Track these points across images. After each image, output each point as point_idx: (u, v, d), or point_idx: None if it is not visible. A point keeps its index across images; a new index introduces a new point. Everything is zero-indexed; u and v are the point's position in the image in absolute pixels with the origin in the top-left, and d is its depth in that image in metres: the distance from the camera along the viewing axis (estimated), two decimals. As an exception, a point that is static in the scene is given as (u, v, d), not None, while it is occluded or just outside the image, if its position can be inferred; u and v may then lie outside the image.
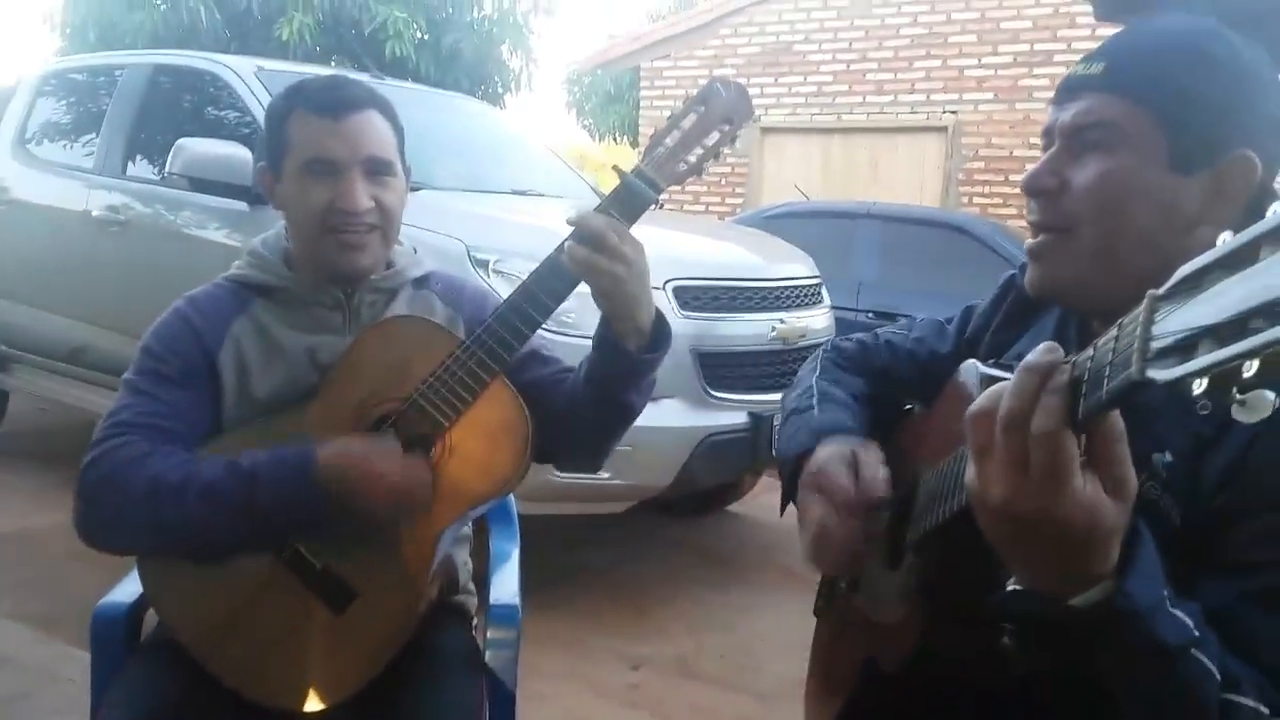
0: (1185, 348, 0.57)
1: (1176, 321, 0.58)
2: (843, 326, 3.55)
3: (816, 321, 3.94)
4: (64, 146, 4.98)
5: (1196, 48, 0.98)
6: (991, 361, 1.11)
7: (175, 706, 1.35)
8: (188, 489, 1.35)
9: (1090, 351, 0.69)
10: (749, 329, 3.61)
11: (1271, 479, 0.86)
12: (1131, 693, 0.79)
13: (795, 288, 3.90)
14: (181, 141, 3.68)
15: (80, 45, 11.09)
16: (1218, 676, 0.79)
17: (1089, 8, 4.25)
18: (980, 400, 0.76)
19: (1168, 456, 0.92)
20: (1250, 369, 0.53)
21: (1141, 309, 0.62)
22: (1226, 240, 0.58)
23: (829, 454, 1.17)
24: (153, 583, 1.44)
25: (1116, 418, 0.70)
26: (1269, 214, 0.55)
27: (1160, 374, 0.58)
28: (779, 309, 3.75)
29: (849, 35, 10.75)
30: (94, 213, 4.44)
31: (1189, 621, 0.78)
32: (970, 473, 0.78)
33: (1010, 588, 0.80)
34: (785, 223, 6.36)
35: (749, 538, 4.51)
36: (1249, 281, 0.54)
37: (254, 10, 11.22)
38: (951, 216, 7.14)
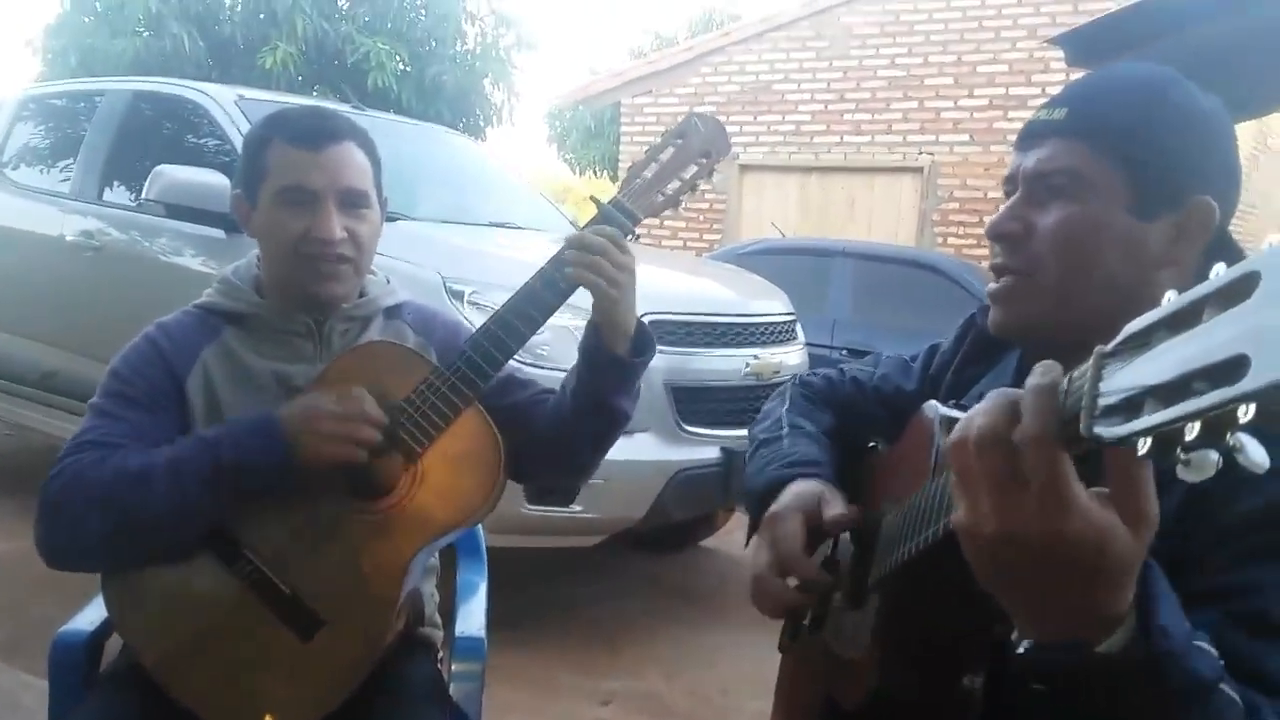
0: (1130, 406, 0.57)
1: (1123, 379, 0.59)
2: (817, 363, 3.57)
3: (791, 358, 3.96)
4: (41, 171, 4.97)
5: (1156, 95, 1.00)
6: (953, 402, 1.12)
7: (135, 735, 1.33)
8: (151, 470, 1.35)
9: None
10: (723, 364, 3.63)
11: (1232, 510, 0.87)
12: None
13: (770, 324, 3.93)
14: (159, 168, 3.67)
15: (62, 70, 11.09)
16: (1241, 705, 0.76)
17: (1062, 54, 4.33)
18: (960, 428, 0.72)
19: None
20: (1192, 431, 0.53)
21: (1089, 365, 0.62)
22: (1171, 299, 0.58)
23: (790, 500, 1.17)
24: (118, 605, 1.42)
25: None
26: (1211, 274, 0.55)
27: (1106, 431, 0.59)
28: (753, 345, 3.76)
29: (827, 76, 10.88)
30: (68, 237, 4.41)
31: (1215, 653, 0.75)
32: (958, 511, 0.72)
33: (1022, 646, 0.75)
34: (761, 259, 6.40)
35: (722, 573, 4.50)
36: (1191, 343, 0.54)
37: (237, 39, 11.26)
38: (924, 255, 7.21)
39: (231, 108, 4.21)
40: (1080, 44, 4.10)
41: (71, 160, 4.75)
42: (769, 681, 1.39)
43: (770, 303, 4.10)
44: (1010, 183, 1.07)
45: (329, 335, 1.55)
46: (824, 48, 10.87)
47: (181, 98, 4.49)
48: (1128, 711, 0.73)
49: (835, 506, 1.13)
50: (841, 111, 10.79)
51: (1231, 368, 0.50)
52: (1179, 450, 0.54)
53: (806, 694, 1.30)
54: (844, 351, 5.95)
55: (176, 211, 3.73)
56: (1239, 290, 0.53)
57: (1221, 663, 0.75)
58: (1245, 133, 13.58)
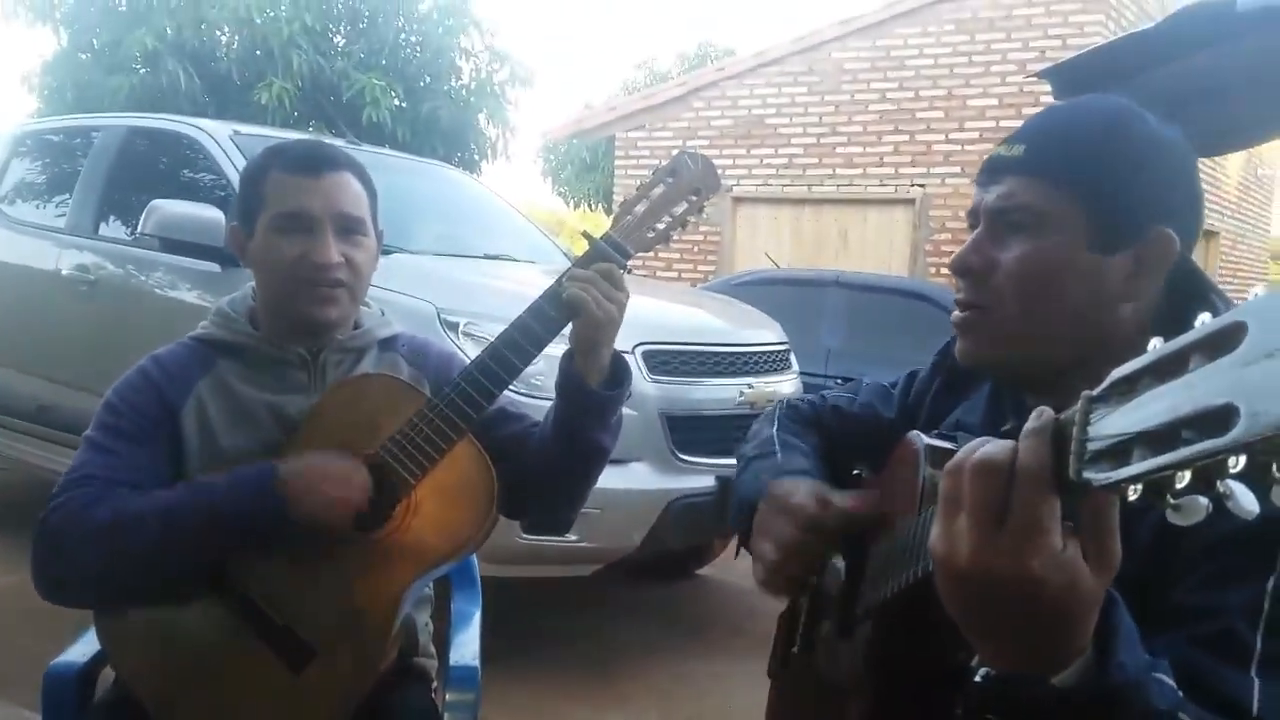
0: (1119, 452, 0.58)
1: (1111, 425, 0.59)
2: (810, 392, 3.57)
3: (784, 387, 3.97)
4: (37, 206, 4.99)
5: (1114, 128, 1.01)
6: (935, 432, 1.13)
7: (127, 767, 1.33)
8: (146, 516, 1.35)
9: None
10: (717, 393, 3.63)
11: (1202, 535, 0.87)
12: None
13: (763, 353, 3.94)
14: (154, 202, 3.69)
15: (58, 107, 11.14)
16: None
17: (1049, 87, 4.37)
18: (959, 455, 0.73)
19: None
20: (1183, 480, 0.54)
21: (1078, 409, 0.63)
22: (1157, 346, 0.58)
23: (793, 483, 1.17)
24: (111, 638, 1.43)
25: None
26: (1197, 323, 0.56)
27: (1096, 477, 0.60)
28: (747, 374, 3.77)
29: (819, 110, 10.97)
30: (64, 271, 4.42)
31: (1171, 682, 0.76)
32: (936, 532, 0.73)
33: (980, 674, 0.76)
34: (755, 290, 6.43)
35: (718, 602, 4.48)
36: (1179, 391, 0.54)
37: (233, 75, 11.33)
38: (916, 285, 7.25)
39: (227, 143, 4.23)
40: (1066, 78, 4.14)
41: (67, 195, 4.77)
42: (761, 711, 1.39)
43: (764, 332, 4.11)
44: (973, 217, 1.08)
45: (323, 366, 1.55)
46: (816, 82, 10.97)
47: (177, 133, 4.52)
48: None
49: (839, 496, 1.12)
50: (834, 144, 10.88)
51: (1220, 417, 0.50)
52: (1169, 496, 0.55)
53: (799, 720, 1.30)
54: (838, 380, 5.96)
55: (172, 246, 3.75)
56: (1226, 339, 0.53)
57: (1180, 694, 0.75)
58: (1234, 163, 13.69)
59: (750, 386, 3.72)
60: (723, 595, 4.56)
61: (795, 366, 4.24)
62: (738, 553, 1.24)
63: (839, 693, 1.10)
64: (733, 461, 1.45)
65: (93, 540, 1.35)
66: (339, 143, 4.32)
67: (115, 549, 1.35)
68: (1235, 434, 0.49)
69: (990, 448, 0.70)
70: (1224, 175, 13.56)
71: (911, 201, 10.44)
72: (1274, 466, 0.50)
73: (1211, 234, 13.45)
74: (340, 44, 12.02)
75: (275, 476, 1.37)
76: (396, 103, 11.55)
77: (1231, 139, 4.74)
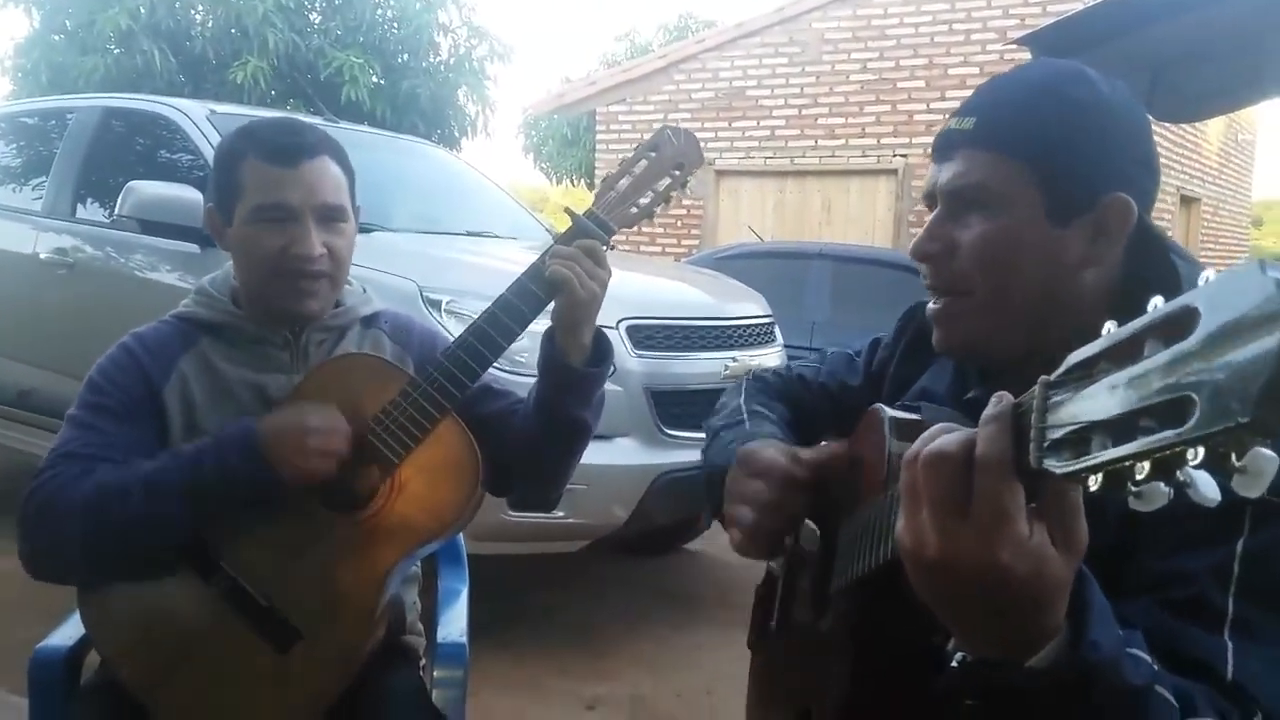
0: (1079, 441, 0.58)
1: (1069, 412, 0.59)
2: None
3: (769, 360, 3.97)
4: (13, 189, 4.93)
5: (1062, 95, 1.00)
6: (899, 404, 1.13)
7: (114, 750, 1.33)
8: (131, 484, 1.35)
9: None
10: (702, 367, 3.64)
11: (1171, 508, 0.88)
12: None
13: (748, 327, 3.94)
14: (132, 184, 3.65)
15: (32, 89, 11.01)
16: (1176, 705, 0.77)
17: (1029, 55, 4.37)
18: (917, 445, 0.72)
19: None
20: (1143, 470, 0.53)
21: (1035, 395, 0.63)
22: (1111, 330, 0.58)
23: (762, 444, 1.15)
24: (95, 621, 1.42)
25: None
26: (1150, 306, 0.56)
27: (1056, 466, 0.59)
28: (732, 348, 3.78)
29: (800, 81, 10.94)
30: (41, 255, 4.39)
31: (1146, 657, 0.76)
32: (901, 525, 0.73)
33: (956, 659, 0.76)
34: (739, 263, 6.43)
35: (706, 576, 4.51)
36: (1135, 378, 0.54)
37: (208, 55, 11.22)
38: (901, 257, 7.23)
39: (204, 122, 4.19)
40: (1046, 44, 4.14)
41: (44, 178, 4.73)
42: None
43: (748, 305, 4.11)
44: (929, 199, 1.08)
45: (305, 346, 1.55)
46: (797, 53, 10.93)
47: (153, 113, 4.47)
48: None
49: (807, 450, 1.11)
50: (815, 116, 10.86)
51: (1177, 407, 0.50)
52: (1129, 485, 0.55)
53: (779, 696, 1.30)
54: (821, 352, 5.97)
55: (150, 227, 3.71)
56: (1178, 326, 0.53)
57: (1155, 666, 0.76)
58: (1215, 128, 13.72)
59: (735, 360, 3.73)
60: (708, 569, 4.59)
61: (780, 339, 4.24)
62: (709, 523, 1.24)
63: (816, 665, 1.11)
64: None
65: (78, 513, 1.35)
66: (316, 121, 4.30)
67: (100, 520, 1.35)
68: (1192, 425, 0.49)
69: (944, 440, 0.70)
70: (1205, 141, 13.59)
71: (894, 172, 10.44)
72: (1232, 457, 0.50)
73: (1192, 200, 13.50)
74: (316, 21, 11.91)
75: (256, 432, 1.37)
76: (375, 80, 11.46)
77: (1211, 103, 4.75)
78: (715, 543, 4.70)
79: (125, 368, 1.49)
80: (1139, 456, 0.53)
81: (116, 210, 3.71)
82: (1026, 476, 0.65)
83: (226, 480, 1.36)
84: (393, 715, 1.45)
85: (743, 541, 1.13)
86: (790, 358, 4.27)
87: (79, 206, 4.55)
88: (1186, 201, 13.20)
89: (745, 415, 1.32)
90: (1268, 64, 3.97)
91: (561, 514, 3.17)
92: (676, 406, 3.52)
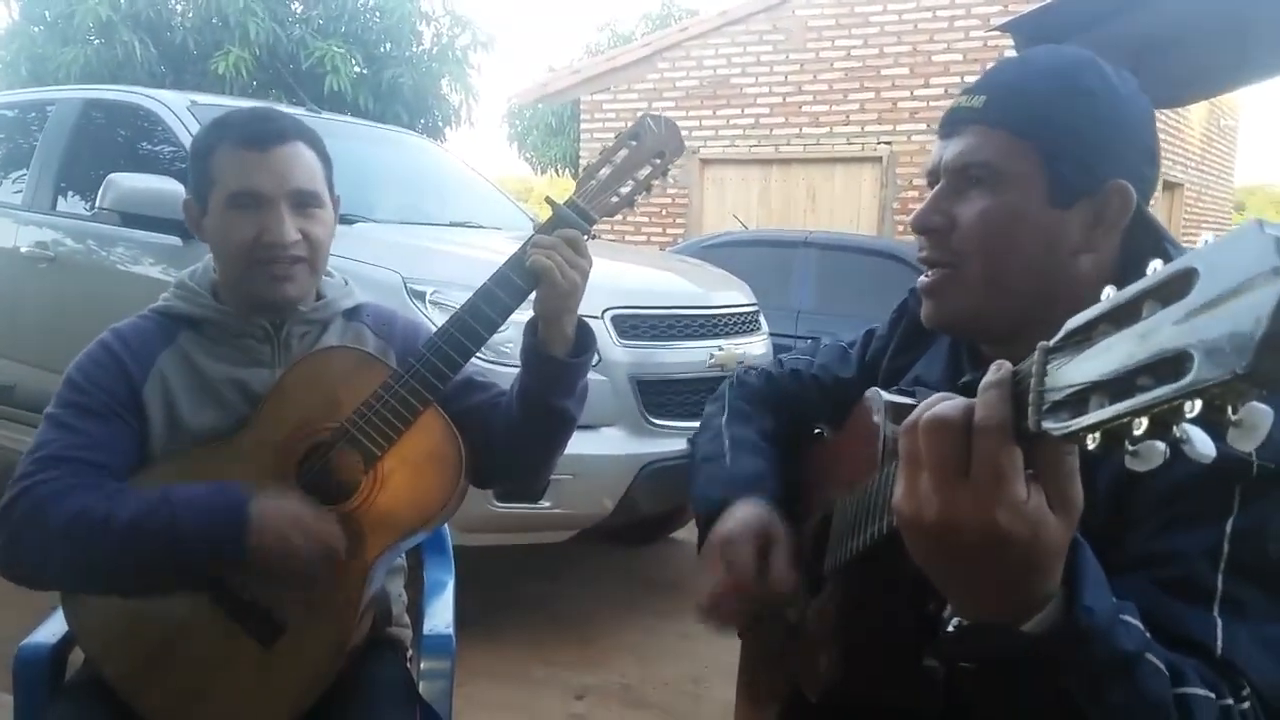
0: (1077, 401, 0.59)
1: (1067, 375, 0.60)
2: (781, 354, 3.58)
3: (754, 348, 3.98)
4: (-8, 183, 4.90)
5: (1072, 80, 1.02)
6: (895, 388, 1.14)
7: (100, 747, 1.32)
8: (112, 521, 1.32)
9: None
10: (687, 356, 3.64)
11: (1160, 482, 0.89)
12: (1095, 708, 0.76)
13: (733, 315, 3.94)
14: (112, 176, 3.63)
15: (12, 80, 10.94)
16: (1167, 674, 0.79)
17: (1013, 41, 4.37)
18: (915, 413, 0.73)
19: None
20: (1140, 426, 0.54)
21: (1034, 360, 0.64)
22: (1111, 295, 0.59)
23: (739, 523, 1.18)
24: (78, 619, 1.42)
25: None
26: (1149, 270, 0.56)
27: (1055, 427, 0.60)
28: (717, 336, 3.78)
29: (784, 69, 10.93)
30: (22, 249, 4.36)
31: (1139, 624, 0.78)
32: (900, 491, 0.74)
33: (953, 624, 0.77)
34: (724, 252, 6.42)
35: (692, 565, 4.48)
36: (1133, 338, 0.55)
37: (189, 45, 11.15)
38: (886, 244, 7.26)
39: (184, 113, 4.17)
40: (1029, 30, 4.14)
41: (24, 171, 4.69)
42: (737, 670, 1.41)
43: (733, 294, 4.11)
44: (933, 174, 1.09)
45: (287, 339, 1.54)
46: (780, 41, 10.92)
47: (133, 105, 4.44)
48: (1057, 687, 0.75)
49: (779, 561, 1.14)
50: (800, 104, 10.85)
51: (1175, 363, 0.51)
52: (1127, 443, 0.55)
53: (770, 680, 1.31)
54: (808, 341, 5.98)
55: (131, 220, 3.68)
56: (1177, 286, 0.54)
57: (1147, 634, 0.77)
58: (1197, 114, 13.76)
59: (720, 349, 3.73)
60: (696, 557, 4.58)
61: (765, 328, 4.25)
62: (699, 550, 1.26)
63: (808, 648, 1.12)
64: None
65: (55, 541, 1.33)
66: (299, 112, 4.27)
67: (76, 550, 1.33)
68: (1190, 379, 0.50)
69: (944, 405, 0.71)
70: (1187, 127, 13.63)
71: (879, 159, 10.45)
72: (1229, 410, 0.51)
73: (1175, 186, 13.54)
74: (298, 11, 11.84)
75: (248, 513, 1.34)
76: (357, 70, 11.40)
77: (1192, 89, 4.77)
78: (702, 531, 4.70)
79: (105, 366, 1.47)
80: (1137, 412, 0.53)
81: (97, 203, 3.68)
82: (1025, 441, 0.67)
83: (204, 543, 1.33)
84: (379, 707, 1.45)
85: (703, 618, 1.20)
86: (776, 346, 4.29)
87: (60, 200, 4.52)
88: (1170, 187, 13.24)
89: (726, 444, 1.33)
90: (1251, 49, 3.98)
91: (548, 504, 3.17)
92: (662, 396, 3.53)
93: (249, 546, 1.33)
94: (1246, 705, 0.83)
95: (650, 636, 3.63)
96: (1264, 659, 0.86)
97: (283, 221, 1.46)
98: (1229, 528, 0.88)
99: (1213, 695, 0.82)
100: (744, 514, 1.19)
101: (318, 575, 1.36)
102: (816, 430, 1.32)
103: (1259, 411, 0.50)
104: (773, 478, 1.27)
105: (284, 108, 4.85)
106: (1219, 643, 0.85)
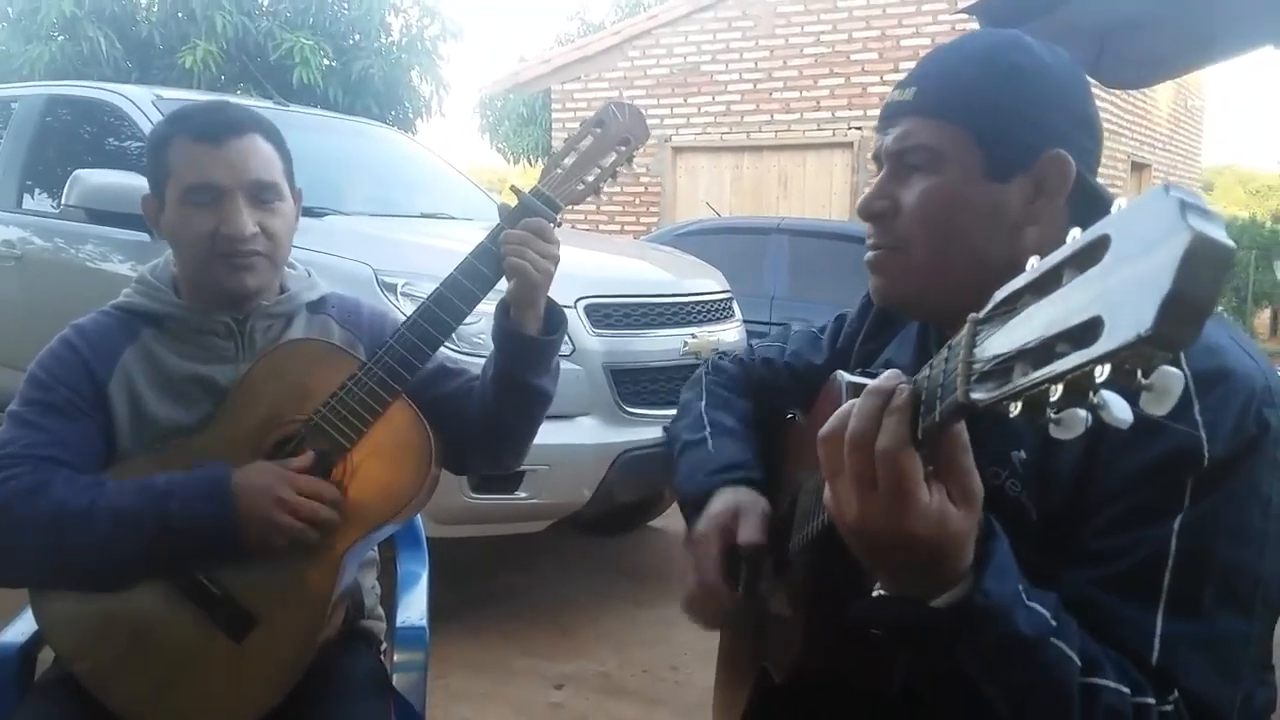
0: (1002, 371, 0.60)
1: (995, 345, 0.61)
2: (756, 339, 3.59)
3: (728, 335, 3.98)
4: (-44, 182, 4.84)
5: (998, 60, 1.03)
6: (859, 370, 1.15)
7: (70, 745, 1.31)
8: (94, 514, 1.32)
9: (927, 371, 0.72)
10: (661, 345, 3.64)
11: (1120, 470, 0.90)
12: (996, 685, 0.82)
13: (706, 303, 3.95)
14: (77, 173, 3.59)
15: (-26, 78, 10.79)
16: (1078, 662, 0.82)
17: (978, 24, 4.38)
18: (829, 423, 0.79)
19: (1023, 453, 0.97)
20: (1056, 392, 0.55)
21: (964, 332, 0.65)
22: (1034, 264, 0.60)
23: (711, 522, 1.19)
24: (47, 616, 1.40)
25: (959, 430, 0.73)
26: (1068, 238, 0.57)
27: (981, 396, 0.61)
28: (691, 324, 3.79)
29: (754, 55, 10.94)
30: (-12, 248, 4.31)
31: (1045, 612, 0.82)
32: (826, 492, 0.81)
33: (875, 593, 0.84)
34: (697, 240, 6.43)
35: (671, 552, 4.52)
36: (1054, 306, 0.56)
37: (155, 39, 11.03)
38: (858, 229, 7.26)
39: (149, 108, 4.12)
40: (994, 13, 4.13)
41: (-12, 169, 4.64)
42: (715, 657, 1.42)
43: (706, 281, 4.12)
44: (877, 160, 1.11)
45: (250, 334, 1.52)
46: (750, 27, 10.92)
47: (98, 100, 4.40)
48: (960, 659, 0.81)
49: (746, 532, 1.15)
50: (770, 90, 10.86)
51: (1089, 329, 0.52)
52: (1049, 410, 0.56)
53: (744, 662, 1.32)
54: (782, 327, 6.00)
55: (98, 216, 3.64)
56: (1093, 253, 0.54)
57: (1055, 624, 0.82)
58: (1165, 95, 13.87)
59: (694, 336, 3.74)
60: (673, 545, 4.59)
61: (738, 315, 4.25)
62: (672, 501, 1.28)
63: (778, 628, 1.13)
64: None
65: (30, 538, 1.32)
66: (266, 105, 4.24)
67: (56, 547, 1.32)
68: (1100, 344, 0.51)
69: (854, 423, 0.76)
70: (1155, 108, 13.74)
71: (849, 145, 10.48)
72: (1139, 374, 0.51)
73: (1143, 166, 13.65)
74: (265, 3, 11.72)
75: (229, 483, 1.35)
76: (326, 62, 11.32)
77: (1157, 69, 4.79)
78: (679, 520, 4.71)
79: (67, 362, 1.45)
80: (1053, 379, 0.55)
81: (64, 200, 3.65)
82: (923, 444, 0.73)
83: (192, 528, 1.33)
84: (352, 700, 1.45)
85: (685, 607, 1.23)
86: (749, 333, 4.30)
87: (25, 198, 4.47)
88: (1137, 168, 13.35)
89: (708, 429, 1.35)
90: (1217, 27, 4.00)
91: (524, 494, 3.18)
92: (637, 384, 3.53)
93: (238, 514, 1.33)
94: (1170, 709, 0.86)
95: (629, 625, 3.64)
96: (1202, 663, 0.88)
97: (240, 213, 1.45)
98: (1177, 525, 0.88)
99: (1126, 690, 0.84)
100: (719, 507, 1.20)
101: (320, 521, 1.37)
102: (790, 415, 1.33)
103: (1170, 375, 0.51)
104: (755, 461, 1.28)
105: (252, 101, 4.83)
106: (1155, 650, 0.88)
